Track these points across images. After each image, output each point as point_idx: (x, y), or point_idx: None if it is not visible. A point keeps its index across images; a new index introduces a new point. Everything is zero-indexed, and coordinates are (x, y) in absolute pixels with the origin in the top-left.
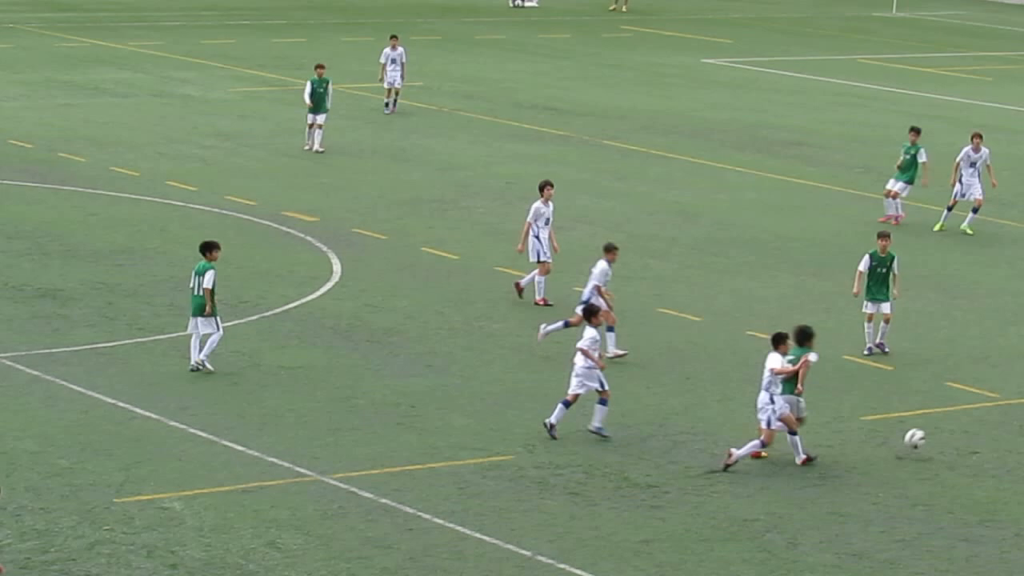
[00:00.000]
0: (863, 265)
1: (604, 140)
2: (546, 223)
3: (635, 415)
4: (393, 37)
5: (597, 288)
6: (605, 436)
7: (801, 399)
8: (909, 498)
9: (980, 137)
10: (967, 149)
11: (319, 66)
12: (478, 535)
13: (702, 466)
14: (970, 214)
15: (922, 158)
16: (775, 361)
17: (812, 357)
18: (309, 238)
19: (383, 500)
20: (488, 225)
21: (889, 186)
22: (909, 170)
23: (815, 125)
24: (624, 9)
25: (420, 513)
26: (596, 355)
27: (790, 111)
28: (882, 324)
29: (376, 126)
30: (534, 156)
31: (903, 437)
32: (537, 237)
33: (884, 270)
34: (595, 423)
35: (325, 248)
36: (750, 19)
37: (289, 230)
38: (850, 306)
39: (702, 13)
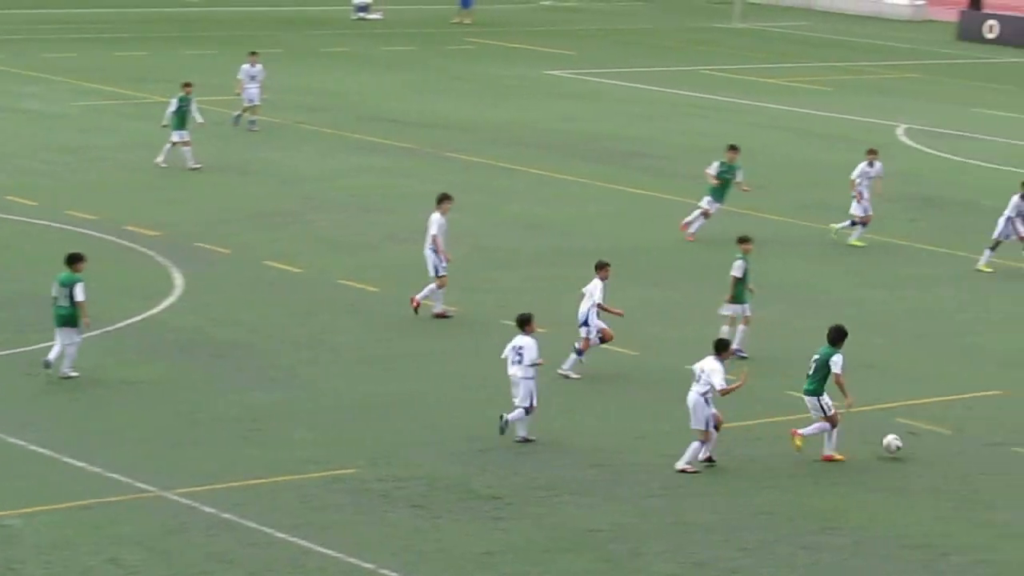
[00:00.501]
0: (738, 271)
1: (449, 152)
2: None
3: (480, 427)
4: (252, 54)
5: (599, 306)
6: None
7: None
8: (751, 506)
9: (875, 152)
10: (863, 165)
11: (186, 84)
12: (321, 549)
13: (546, 477)
14: (859, 228)
15: (738, 178)
16: (718, 376)
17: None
18: (151, 252)
19: (225, 515)
20: (332, 238)
21: (704, 204)
22: (723, 188)
23: (658, 136)
24: (468, 22)
25: (262, 528)
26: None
27: (633, 122)
28: (741, 327)
29: (221, 140)
30: (379, 169)
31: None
32: (434, 251)
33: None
34: (520, 432)
35: (167, 262)
36: (593, 31)
37: (131, 245)
38: (693, 315)
39: (545, 25)
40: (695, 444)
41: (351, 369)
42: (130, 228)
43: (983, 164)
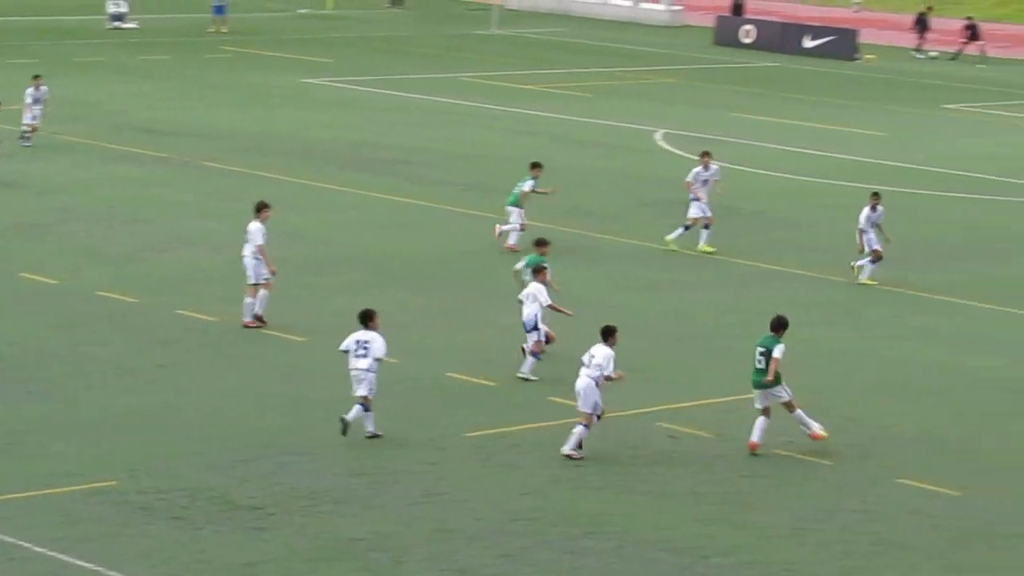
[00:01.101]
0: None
1: (206, 161)
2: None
3: (241, 437)
4: (36, 77)
5: (551, 306)
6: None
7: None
8: (514, 512)
9: (709, 155)
10: (697, 169)
11: None
12: (80, 563)
13: (307, 487)
14: (703, 231)
15: (525, 188)
16: (611, 364)
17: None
18: None
19: None
20: (89, 249)
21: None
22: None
23: (417, 143)
24: (224, 30)
25: (21, 542)
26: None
27: (392, 129)
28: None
29: None
30: (136, 179)
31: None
32: (258, 259)
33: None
34: (369, 427)
35: None
36: (350, 38)
37: None
38: (454, 322)
39: (301, 33)
40: (579, 428)
41: (111, 381)
42: None
43: (742, 168)
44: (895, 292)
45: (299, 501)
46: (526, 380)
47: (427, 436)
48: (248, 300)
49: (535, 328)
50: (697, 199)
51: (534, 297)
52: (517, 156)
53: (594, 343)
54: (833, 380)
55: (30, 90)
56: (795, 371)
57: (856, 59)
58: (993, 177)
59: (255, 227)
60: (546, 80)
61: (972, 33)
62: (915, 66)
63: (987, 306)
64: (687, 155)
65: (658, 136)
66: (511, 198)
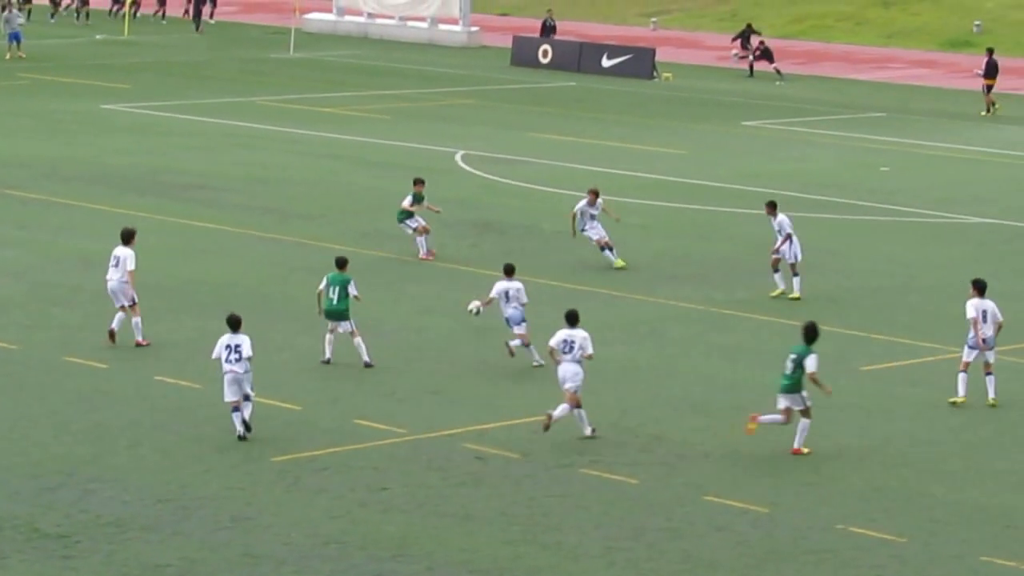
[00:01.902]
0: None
1: (4, 189)
2: None
3: (43, 465)
4: None
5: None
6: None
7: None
8: (321, 536)
9: (596, 194)
10: (582, 204)
11: None
12: None
13: (113, 514)
14: (606, 252)
15: (404, 203)
16: (590, 343)
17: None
18: None
19: None
20: None
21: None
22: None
23: (215, 167)
24: (22, 55)
25: None
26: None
27: (190, 154)
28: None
29: None
30: None
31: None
32: (125, 282)
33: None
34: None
35: None
36: (147, 64)
37: None
38: (255, 346)
39: (100, 59)
40: (569, 408)
41: None
42: None
43: (541, 188)
44: (698, 310)
45: (106, 528)
46: (540, 366)
47: (233, 461)
48: (120, 316)
49: (523, 320)
50: (586, 230)
51: (514, 296)
52: (317, 180)
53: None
54: (638, 399)
55: None
56: (599, 390)
57: (654, 78)
58: (794, 194)
59: (127, 252)
60: (345, 103)
61: (763, 52)
62: (713, 84)
63: (789, 322)
64: (487, 176)
65: (458, 157)
66: (398, 215)
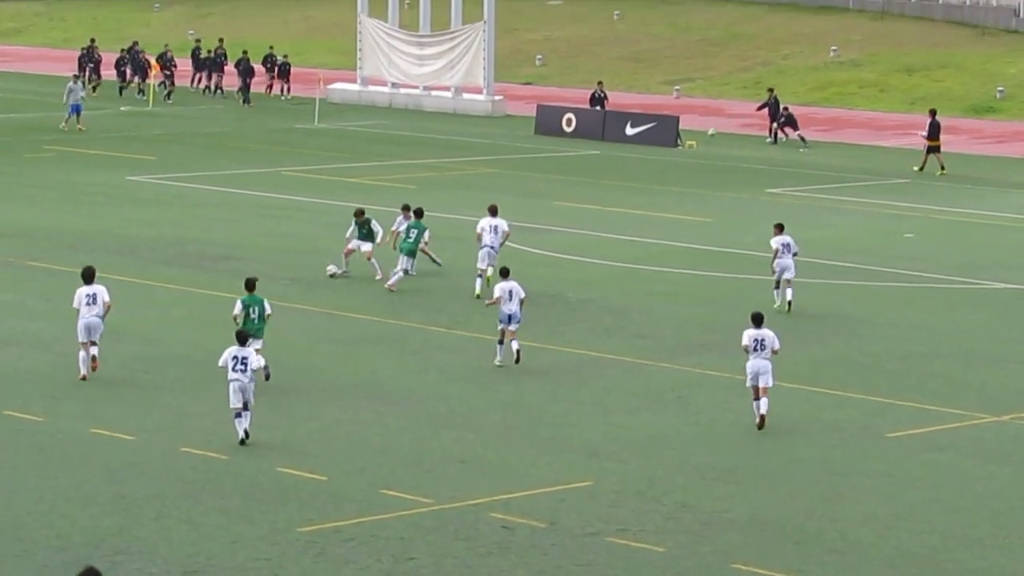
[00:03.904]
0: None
1: (29, 261)
2: None
3: (70, 537)
4: None
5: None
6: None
7: None
8: None
9: (408, 209)
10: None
11: None
12: None
13: None
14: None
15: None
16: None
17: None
18: None
19: None
20: None
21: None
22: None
23: (241, 239)
24: (80, 128)
25: None
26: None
27: (216, 225)
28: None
29: None
30: None
31: None
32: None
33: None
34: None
35: None
36: (173, 135)
37: None
38: (283, 416)
39: (124, 131)
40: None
41: None
42: None
43: (565, 256)
44: (724, 377)
45: None
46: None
47: (260, 532)
48: (84, 356)
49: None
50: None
51: (516, 293)
52: (341, 250)
53: (424, 436)
54: (664, 466)
55: None
56: (624, 457)
57: (678, 145)
58: (818, 260)
59: (99, 288)
60: (370, 173)
61: (787, 119)
62: (736, 151)
63: (814, 389)
64: (511, 244)
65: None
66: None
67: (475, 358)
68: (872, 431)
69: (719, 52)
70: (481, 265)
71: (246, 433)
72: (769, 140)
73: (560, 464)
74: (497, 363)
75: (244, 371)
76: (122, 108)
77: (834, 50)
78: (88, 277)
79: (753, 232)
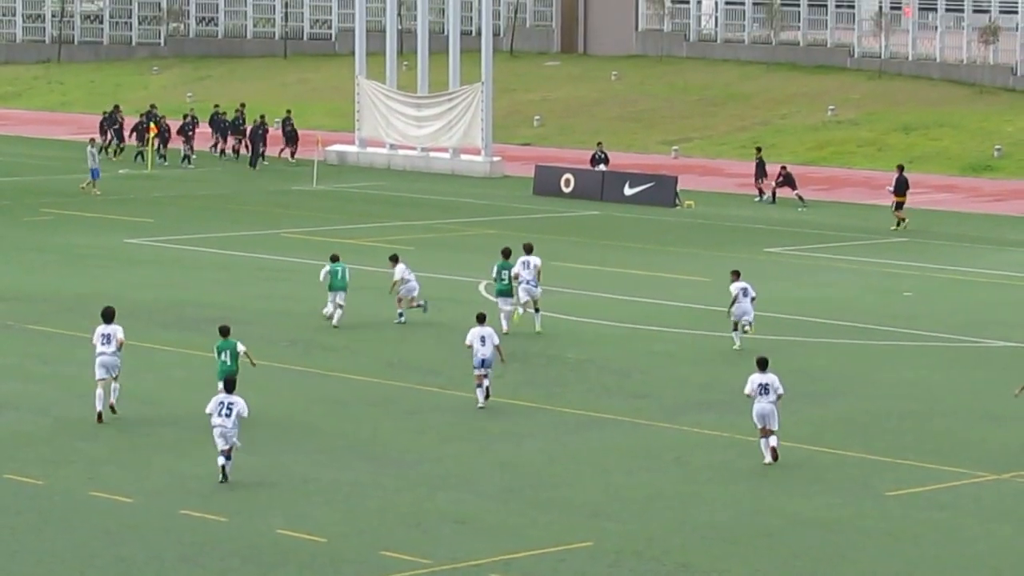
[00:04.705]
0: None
1: (28, 324)
2: None
3: None
4: None
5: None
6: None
7: None
8: None
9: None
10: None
11: None
12: None
13: None
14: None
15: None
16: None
17: None
18: None
19: None
20: None
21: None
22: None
23: (239, 300)
24: (96, 192)
25: None
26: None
27: (214, 287)
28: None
29: None
30: None
31: None
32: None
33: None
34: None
35: None
36: (172, 197)
37: None
38: (280, 477)
39: (122, 193)
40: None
41: None
42: None
43: (564, 317)
44: (723, 437)
45: None
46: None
47: None
48: (100, 393)
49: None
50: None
51: (489, 338)
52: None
53: (422, 496)
54: (664, 526)
55: None
56: (623, 517)
57: (676, 205)
58: (817, 319)
59: (115, 327)
60: (369, 234)
61: (785, 179)
62: (735, 211)
63: (815, 448)
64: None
65: (481, 287)
66: (501, 286)
67: (472, 418)
68: (872, 490)
69: (717, 112)
70: (521, 300)
71: (225, 475)
72: (757, 199)
73: (560, 524)
74: (479, 407)
75: (228, 416)
76: (120, 171)
77: (832, 109)
78: (107, 317)
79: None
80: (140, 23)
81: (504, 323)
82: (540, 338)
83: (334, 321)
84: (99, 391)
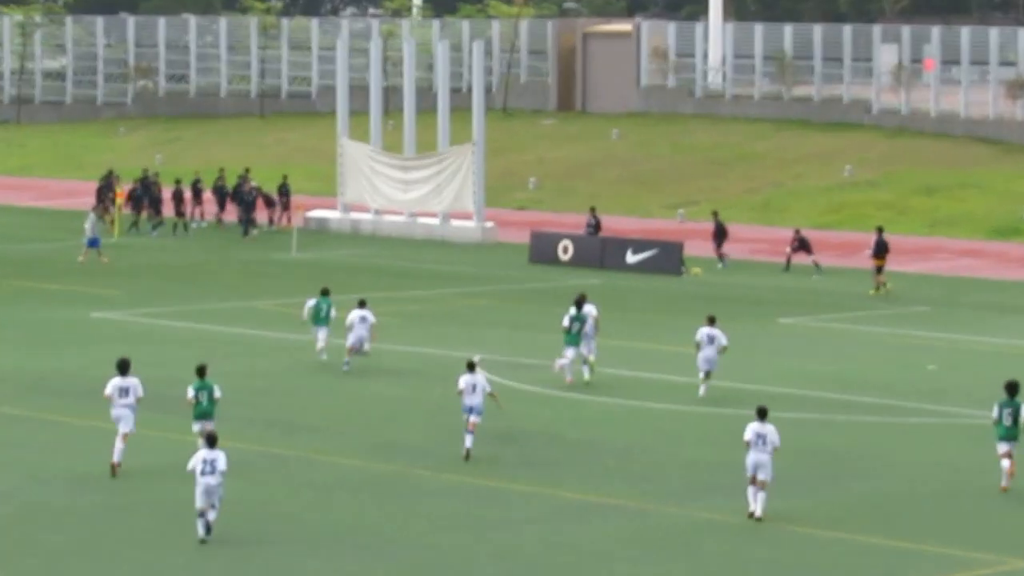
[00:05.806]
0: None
1: None
2: None
3: None
4: None
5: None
6: None
7: None
8: None
9: None
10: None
11: None
12: None
13: None
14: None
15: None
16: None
17: None
18: None
19: None
20: None
21: None
22: None
23: (214, 378)
24: (85, 259)
25: None
26: None
27: (186, 365)
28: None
29: None
30: None
31: None
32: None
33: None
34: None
35: None
36: (141, 267)
37: None
38: (263, 573)
39: (88, 264)
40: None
41: None
42: None
43: (562, 394)
44: (734, 522)
45: None
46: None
47: None
48: (122, 447)
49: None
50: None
51: (481, 388)
52: (323, 389)
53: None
54: None
55: None
56: None
57: (682, 273)
58: (835, 395)
59: (133, 381)
60: (351, 306)
61: (801, 244)
62: (745, 279)
63: (830, 534)
64: (505, 381)
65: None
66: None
67: (466, 504)
68: None
69: (725, 173)
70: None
71: (208, 530)
72: (720, 266)
73: None
74: (464, 452)
75: (212, 473)
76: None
77: (848, 169)
78: (123, 368)
79: (764, 366)
80: (106, 80)
81: (568, 374)
82: (538, 418)
83: (323, 356)
84: (119, 444)
